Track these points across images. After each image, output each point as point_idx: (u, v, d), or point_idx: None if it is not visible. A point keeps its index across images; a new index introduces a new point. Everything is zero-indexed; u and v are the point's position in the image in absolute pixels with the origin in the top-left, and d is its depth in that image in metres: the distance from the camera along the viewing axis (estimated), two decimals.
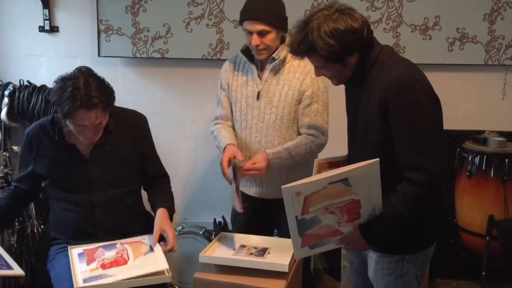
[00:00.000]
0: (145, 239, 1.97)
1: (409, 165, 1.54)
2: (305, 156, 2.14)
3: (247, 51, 2.22)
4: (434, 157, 1.54)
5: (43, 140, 2.01)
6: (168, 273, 1.77)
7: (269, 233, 2.34)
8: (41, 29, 3.16)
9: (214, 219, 3.04)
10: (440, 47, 3.02)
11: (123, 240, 1.96)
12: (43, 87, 3.06)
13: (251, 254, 1.89)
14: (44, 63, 3.21)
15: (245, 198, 2.24)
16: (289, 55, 2.16)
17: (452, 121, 2.83)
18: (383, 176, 1.56)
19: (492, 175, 2.71)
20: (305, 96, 2.16)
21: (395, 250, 1.67)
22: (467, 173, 2.76)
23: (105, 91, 1.86)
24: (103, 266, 1.80)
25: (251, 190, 2.27)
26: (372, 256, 1.74)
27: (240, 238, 2.06)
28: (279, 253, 1.90)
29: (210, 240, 2.73)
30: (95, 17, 3.06)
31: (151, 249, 1.89)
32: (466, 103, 3.16)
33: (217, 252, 1.92)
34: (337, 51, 1.53)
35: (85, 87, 1.79)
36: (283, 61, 2.17)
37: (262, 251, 1.90)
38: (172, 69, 3.19)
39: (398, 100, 1.52)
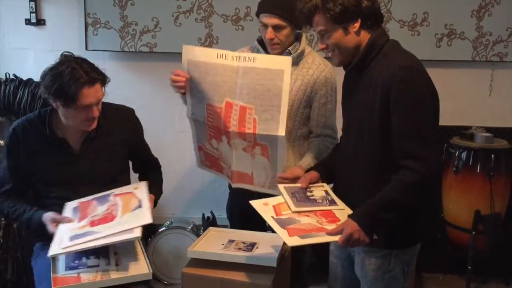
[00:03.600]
0: (137, 190, 1.94)
1: (407, 154, 1.54)
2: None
3: (262, 42, 2.18)
4: (433, 148, 1.55)
5: (30, 135, 1.98)
6: (149, 270, 1.76)
7: (264, 229, 2.34)
8: (28, 22, 3.12)
9: (203, 214, 3.04)
10: (428, 43, 3.04)
11: (116, 191, 1.96)
12: (30, 80, 3.03)
13: (240, 249, 1.89)
14: (30, 57, 3.18)
15: (243, 194, 2.24)
16: (306, 51, 2.16)
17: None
18: (376, 167, 1.58)
19: (478, 170, 2.73)
20: (320, 94, 2.15)
21: (382, 245, 1.68)
22: (454, 169, 2.78)
23: (97, 68, 1.90)
24: (92, 223, 1.81)
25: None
26: (359, 252, 1.74)
27: (229, 233, 2.06)
28: (268, 247, 1.90)
29: (198, 235, 2.73)
30: (82, 10, 3.03)
31: (139, 205, 1.86)
32: (454, 99, 3.18)
33: (205, 247, 1.91)
34: (341, 9, 1.57)
35: (80, 66, 1.83)
36: (298, 56, 2.16)
37: (251, 246, 1.91)
38: (160, 63, 3.17)
39: (401, 88, 1.53)
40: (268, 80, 1.88)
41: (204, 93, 1.92)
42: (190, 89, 1.94)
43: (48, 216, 1.87)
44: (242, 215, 2.29)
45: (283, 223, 1.65)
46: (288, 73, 1.87)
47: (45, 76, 1.86)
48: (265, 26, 2.09)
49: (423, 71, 1.59)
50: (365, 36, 1.64)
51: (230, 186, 2.30)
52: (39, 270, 1.91)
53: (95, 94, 1.85)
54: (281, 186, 1.85)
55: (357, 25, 1.61)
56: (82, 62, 1.86)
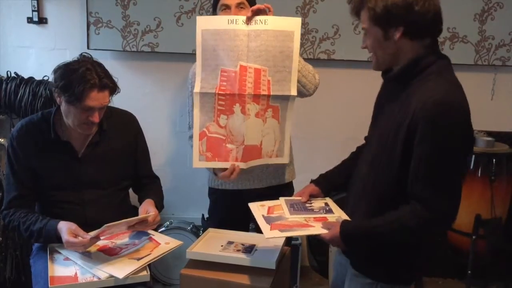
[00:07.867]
0: (164, 246, 1.91)
1: (417, 198, 1.44)
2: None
3: None
4: (446, 196, 1.42)
5: (35, 137, 1.94)
6: (147, 272, 1.75)
7: (245, 228, 2.33)
8: (30, 20, 3.12)
9: (202, 215, 3.03)
10: None
11: (155, 235, 1.97)
12: (31, 79, 3.03)
13: (239, 250, 1.88)
14: (32, 55, 3.18)
15: (221, 193, 2.27)
16: None
17: None
18: (385, 193, 1.53)
19: (479, 174, 2.73)
20: None
21: (371, 274, 1.61)
22: None
23: (111, 76, 1.89)
24: (102, 247, 1.85)
25: (227, 184, 2.24)
26: (349, 271, 1.69)
27: (228, 235, 2.05)
28: (267, 250, 1.89)
29: (197, 236, 2.72)
30: (84, 9, 3.03)
31: (139, 258, 1.81)
32: None
33: (204, 248, 1.91)
34: (384, 12, 1.45)
35: (94, 69, 1.82)
36: None
37: (250, 248, 1.90)
38: (162, 63, 3.18)
39: (429, 126, 1.39)
40: (280, 42, 1.97)
41: (219, 60, 1.98)
42: (202, 61, 1.99)
43: (67, 225, 1.81)
44: (223, 212, 2.30)
45: (269, 220, 1.73)
46: (298, 34, 1.96)
47: (58, 70, 1.85)
48: (227, 8, 2.09)
49: (461, 106, 1.43)
50: (408, 46, 1.49)
51: (211, 194, 2.35)
52: (37, 269, 1.90)
53: (101, 99, 1.84)
54: (282, 199, 1.90)
55: (398, 32, 1.46)
56: (98, 66, 1.86)
